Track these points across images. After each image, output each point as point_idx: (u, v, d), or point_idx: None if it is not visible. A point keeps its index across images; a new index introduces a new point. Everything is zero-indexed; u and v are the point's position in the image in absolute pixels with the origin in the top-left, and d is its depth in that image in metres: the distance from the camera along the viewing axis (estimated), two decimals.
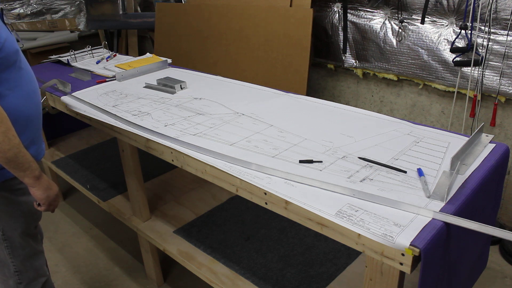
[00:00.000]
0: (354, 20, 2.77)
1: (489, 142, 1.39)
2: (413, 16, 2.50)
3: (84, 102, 1.95)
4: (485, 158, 1.31)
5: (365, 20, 2.72)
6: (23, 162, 1.28)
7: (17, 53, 1.35)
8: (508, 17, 2.13)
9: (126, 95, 2.03)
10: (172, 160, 1.52)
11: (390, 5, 2.58)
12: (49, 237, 2.68)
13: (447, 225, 1.02)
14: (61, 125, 3.06)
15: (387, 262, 1.00)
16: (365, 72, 2.88)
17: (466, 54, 2.33)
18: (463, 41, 2.34)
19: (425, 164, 1.28)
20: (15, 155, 1.24)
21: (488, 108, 2.39)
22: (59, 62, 2.74)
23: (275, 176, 1.26)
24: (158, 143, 1.54)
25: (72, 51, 2.77)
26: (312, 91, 3.18)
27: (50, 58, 2.82)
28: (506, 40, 2.18)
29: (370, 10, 2.69)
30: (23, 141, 1.39)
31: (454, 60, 2.37)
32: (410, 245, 0.94)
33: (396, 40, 2.60)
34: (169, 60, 2.55)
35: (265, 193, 1.21)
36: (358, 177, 1.23)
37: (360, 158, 1.34)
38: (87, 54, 2.80)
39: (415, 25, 2.50)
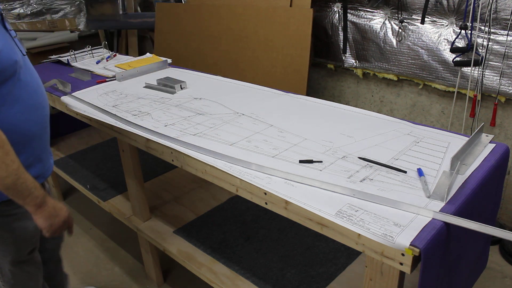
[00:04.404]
0: (354, 20, 2.77)
1: (489, 142, 1.39)
2: (413, 16, 2.50)
3: (84, 102, 1.95)
4: (485, 158, 1.31)
5: (365, 20, 2.72)
6: (22, 190, 1.17)
7: (16, 64, 1.23)
8: (508, 17, 2.13)
9: (126, 95, 2.03)
10: (172, 160, 1.52)
11: (390, 5, 2.58)
12: None
13: (447, 225, 1.02)
14: (61, 125, 3.06)
15: (387, 262, 1.00)
16: (365, 72, 2.88)
17: (466, 54, 2.33)
18: (463, 41, 2.34)
19: (425, 164, 1.28)
20: (14, 183, 1.14)
21: (488, 108, 2.39)
22: (59, 62, 2.74)
23: (275, 176, 1.26)
24: (158, 143, 1.54)
25: (72, 51, 2.77)
26: (312, 91, 3.18)
27: (50, 58, 2.82)
28: (506, 40, 2.18)
29: (370, 10, 2.69)
30: (24, 161, 1.28)
31: (454, 60, 2.37)
32: (410, 245, 0.94)
33: (396, 40, 2.60)
34: (169, 60, 2.55)
35: (265, 193, 1.21)
36: (358, 177, 1.23)
37: (360, 158, 1.34)
38: (87, 54, 2.80)
39: (415, 25, 2.50)
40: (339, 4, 2.82)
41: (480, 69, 2.30)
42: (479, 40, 2.27)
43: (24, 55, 1.35)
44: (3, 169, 1.10)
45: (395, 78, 2.72)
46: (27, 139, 1.30)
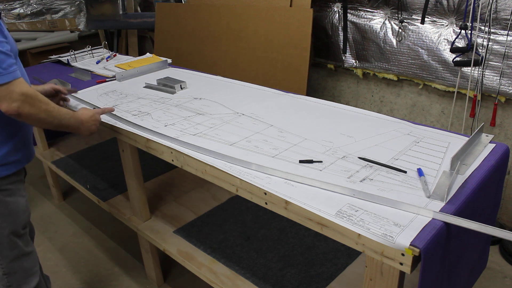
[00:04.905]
0: (354, 20, 2.77)
1: (489, 142, 1.39)
2: (413, 16, 2.50)
3: (84, 102, 1.95)
4: (485, 158, 1.31)
5: (365, 20, 2.72)
6: (64, 125, 1.49)
7: (16, 54, 1.40)
8: (508, 17, 2.13)
9: (126, 95, 2.03)
10: (172, 160, 1.52)
11: (390, 5, 2.58)
12: (49, 237, 2.68)
13: (447, 225, 1.02)
14: None
15: (387, 262, 1.00)
16: (365, 72, 2.88)
17: (466, 54, 2.33)
18: (463, 41, 2.34)
19: (425, 164, 1.28)
20: (59, 123, 1.46)
21: (488, 108, 2.39)
22: (59, 62, 2.74)
23: (275, 176, 1.26)
24: (158, 143, 1.54)
25: (72, 51, 2.77)
26: (312, 91, 3.18)
27: (50, 58, 2.83)
28: (506, 40, 2.18)
29: (370, 10, 2.69)
30: (18, 142, 1.47)
31: (454, 60, 2.37)
32: (410, 245, 0.94)
33: (396, 40, 2.60)
34: (169, 60, 2.56)
35: (265, 193, 1.21)
36: (358, 177, 1.23)
37: (360, 158, 1.34)
38: (87, 54, 2.80)
39: (415, 25, 2.50)
40: (339, 4, 2.82)
41: (480, 69, 2.30)
42: (479, 40, 2.26)
43: None
44: (50, 116, 1.40)
45: (395, 78, 2.72)
46: (20, 125, 1.47)
